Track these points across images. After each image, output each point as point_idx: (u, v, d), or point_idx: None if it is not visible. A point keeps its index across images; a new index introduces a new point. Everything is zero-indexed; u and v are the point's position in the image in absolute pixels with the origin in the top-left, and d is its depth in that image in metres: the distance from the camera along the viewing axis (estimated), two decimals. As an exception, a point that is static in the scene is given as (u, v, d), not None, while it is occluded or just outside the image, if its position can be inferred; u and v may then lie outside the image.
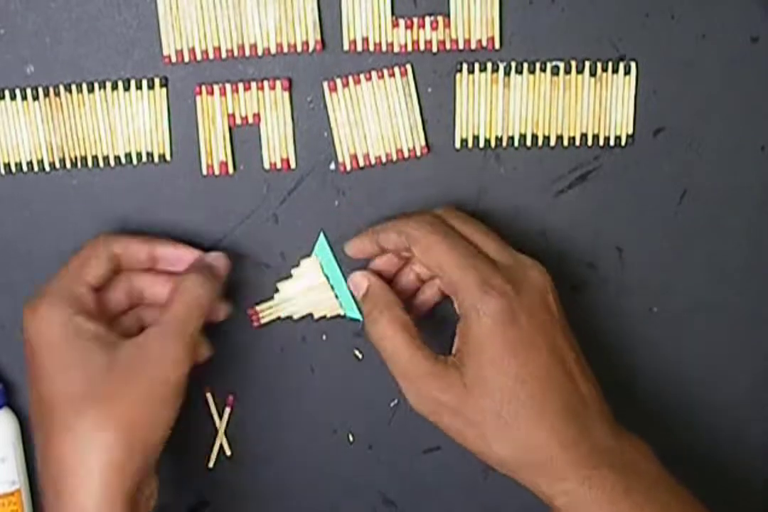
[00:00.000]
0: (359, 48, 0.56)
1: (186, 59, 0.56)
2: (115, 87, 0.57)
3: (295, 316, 0.59)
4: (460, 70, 0.57)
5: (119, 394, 0.50)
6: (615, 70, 0.57)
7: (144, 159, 0.57)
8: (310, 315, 0.59)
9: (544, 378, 0.50)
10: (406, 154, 0.58)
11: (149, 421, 0.50)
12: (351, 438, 0.61)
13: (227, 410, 0.60)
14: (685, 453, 0.60)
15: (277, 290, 0.59)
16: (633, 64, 0.57)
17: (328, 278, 0.58)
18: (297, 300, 0.59)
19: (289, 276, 0.58)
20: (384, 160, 0.58)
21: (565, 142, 0.58)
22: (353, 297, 0.57)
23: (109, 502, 0.48)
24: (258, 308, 0.59)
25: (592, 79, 0.57)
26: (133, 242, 0.55)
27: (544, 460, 0.50)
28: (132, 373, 0.50)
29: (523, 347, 0.50)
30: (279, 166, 0.58)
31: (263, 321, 0.59)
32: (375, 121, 0.57)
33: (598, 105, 0.57)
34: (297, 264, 0.58)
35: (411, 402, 0.52)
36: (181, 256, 0.56)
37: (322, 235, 0.58)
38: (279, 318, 0.59)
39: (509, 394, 0.50)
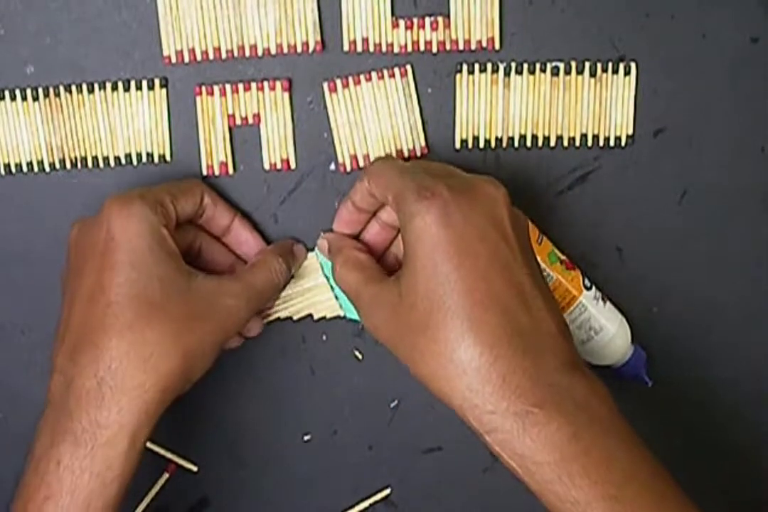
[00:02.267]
0: (359, 48, 0.56)
1: (186, 60, 0.56)
2: (115, 87, 0.57)
3: (295, 317, 0.59)
4: (460, 71, 0.57)
5: (192, 322, 0.49)
6: (615, 71, 0.57)
7: (144, 159, 0.57)
8: (310, 315, 0.59)
9: (482, 290, 0.44)
10: (406, 155, 0.58)
11: (201, 362, 0.50)
12: (351, 439, 0.61)
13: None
14: (682, 452, 0.60)
15: None
16: (633, 65, 0.57)
17: (327, 279, 0.58)
18: (297, 300, 0.59)
19: (291, 277, 0.58)
20: (384, 160, 0.58)
21: (565, 143, 0.58)
22: None
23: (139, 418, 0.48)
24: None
25: (592, 80, 0.57)
26: (223, 205, 0.56)
27: (473, 384, 0.44)
28: (208, 307, 0.50)
29: (458, 251, 0.45)
30: (279, 166, 0.58)
31: (263, 321, 0.58)
32: (375, 121, 0.57)
33: (598, 105, 0.57)
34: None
35: (367, 328, 0.51)
36: (252, 241, 0.57)
37: (322, 234, 0.58)
38: (279, 318, 0.59)
39: (437, 302, 0.45)
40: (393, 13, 0.56)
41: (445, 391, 0.45)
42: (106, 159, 0.57)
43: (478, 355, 0.44)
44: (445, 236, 0.45)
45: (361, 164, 0.57)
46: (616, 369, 0.58)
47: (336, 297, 0.58)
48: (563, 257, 0.56)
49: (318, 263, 0.58)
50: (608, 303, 0.57)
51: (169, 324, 0.49)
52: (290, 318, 0.59)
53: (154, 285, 0.49)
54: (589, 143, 0.58)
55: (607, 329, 0.57)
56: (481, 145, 0.58)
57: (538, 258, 0.52)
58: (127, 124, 0.57)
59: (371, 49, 0.56)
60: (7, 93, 0.56)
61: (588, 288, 0.56)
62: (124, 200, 0.50)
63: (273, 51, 0.56)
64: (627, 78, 0.57)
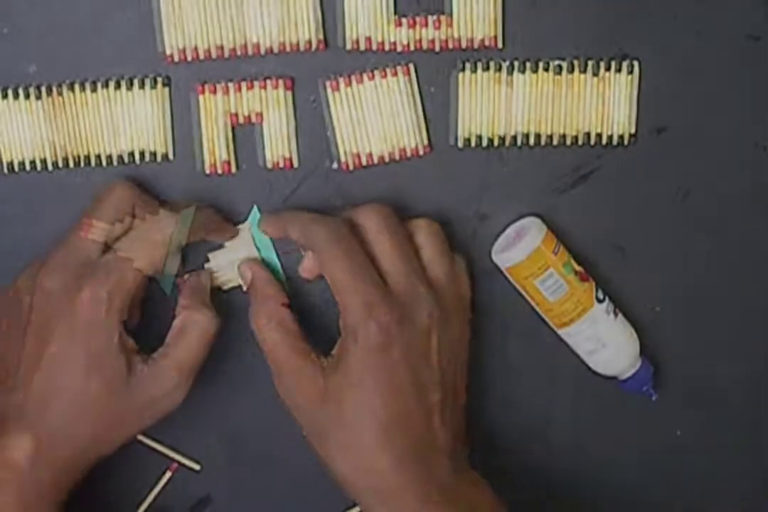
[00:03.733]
0: (361, 47, 0.56)
1: (188, 58, 0.56)
2: (117, 86, 0.57)
3: (224, 287, 0.58)
4: (463, 69, 0.57)
5: (122, 424, 0.54)
6: (617, 69, 0.57)
7: (146, 158, 0.57)
8: (240, 288, 0.58)
9: (400, 414, 0.51)
10: (408, 153, 0.58)
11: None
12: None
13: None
14: (684, 450, 0.60)
15: (207, 259, 0.58)
16: (635, 63, 0.57)
17: (259, 251, 0.58)
18: (226, 270, 0.58)
19: (222, 246, 0.58)
20: (386, 159, 0.58)
21: (568, 141, 0.58)
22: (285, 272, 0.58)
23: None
24: (186, 277, 0.57)
25: (595, 78, 0.57)
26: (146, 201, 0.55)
27: (383, 487, 0.51)
28: (145, 408, 0.53)
29: (388, 381, 0.51)
30: (281, 164, 0.58)
31: None
32: (377, 120, 0.57)
33: (600, 104, 0.57)
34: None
35: (279, 392, 0.54)
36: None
37: (255, 208, 0.57)
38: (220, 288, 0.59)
39: (360, 420, 0.51)
40: (395, 12, 0.56)
41: (361, 491, 0.52)
42: (108, 157, 0.57)
43: (388, 466, 0.51)
44: (381, 365, 0.51)
45: (363, 162, 0.57)
46: (621, 381, 0.58)
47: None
48: (578, 268, 0.56)
49: (250, 235, 0.58)
50: (620, 315, 0.58)
51: (98, 427, 0.53)
52: (219, 288, 0.58)
53: (98, 386, 0.52)
54: (592, 142, 0.58)
55: (615, 343, 0.57)
56: (484, 143, 0.58)
57: (552, 269, 0.55)
58: (130, 122, 0.57)
59: (373, 47, 0.56)
60: (10, 91, 0.56)
61: (600, 301, 0.56)
62: (78, 286, 0.52)
63: (275, 49, 0.56)
64: (629, 77, 0.57)
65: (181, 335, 0.54)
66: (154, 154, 0.57)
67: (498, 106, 0.57)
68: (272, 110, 0.57)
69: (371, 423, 0.51)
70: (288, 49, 0.56)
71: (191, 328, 0.54)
